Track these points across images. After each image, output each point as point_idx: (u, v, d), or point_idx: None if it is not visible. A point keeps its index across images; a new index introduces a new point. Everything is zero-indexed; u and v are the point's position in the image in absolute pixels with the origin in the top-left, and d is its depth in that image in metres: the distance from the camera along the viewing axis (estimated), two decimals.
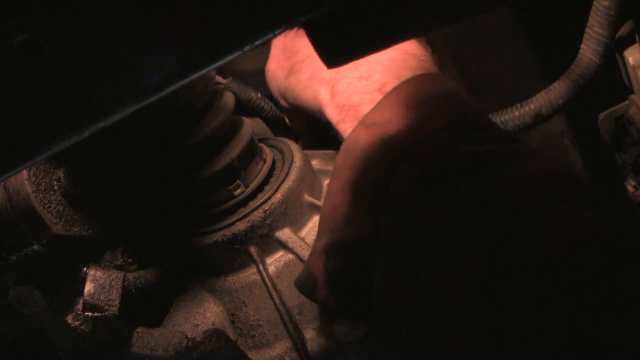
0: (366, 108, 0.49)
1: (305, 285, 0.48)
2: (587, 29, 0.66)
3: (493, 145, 0.43)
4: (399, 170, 0.44)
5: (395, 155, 0.44)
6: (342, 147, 0.49)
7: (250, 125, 0.62)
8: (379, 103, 0.48)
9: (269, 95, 0.78)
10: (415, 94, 0.48)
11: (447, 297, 0.37)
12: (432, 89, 0.48)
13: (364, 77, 0.52)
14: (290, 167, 0.61)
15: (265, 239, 0.58)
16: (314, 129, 0.72)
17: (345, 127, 0.52)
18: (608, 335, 0.30)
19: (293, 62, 0.60)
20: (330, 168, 0.67)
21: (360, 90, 0.51)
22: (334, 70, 0.54)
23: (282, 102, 0.65)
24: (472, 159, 0.41)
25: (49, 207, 0.53)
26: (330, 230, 0.47)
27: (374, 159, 0.46)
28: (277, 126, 0.80)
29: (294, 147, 0.64)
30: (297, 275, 0.50)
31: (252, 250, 0.58)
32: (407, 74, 0.50)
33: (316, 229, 0.60)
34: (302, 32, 0.56)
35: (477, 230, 0.37)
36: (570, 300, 0.31)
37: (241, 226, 0.57)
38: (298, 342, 0.55)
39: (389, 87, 0.49)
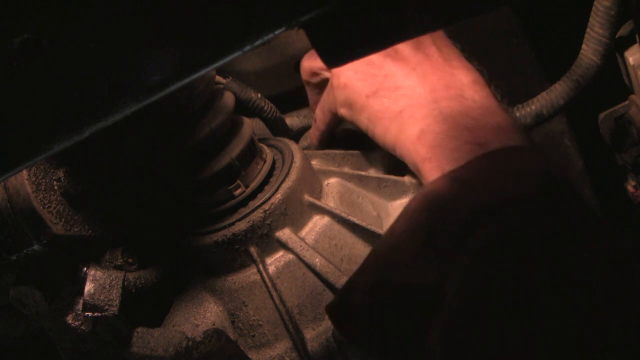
0: (459, 155, 0.48)
1: (337, 314, 0.47)
2: (587, 30, 0.66)
3: (578, 220, 0.42)
4: (481, 228, 0.42)
5: (479, 212, 0.43)
6: (421, 192, 0.48)
7: (250, 125, 0.62)
8: (469, 162, 0.47)
9: (269, 95, 0.79)
10: (507, 163, 0.47)
11: None
12: (524, 160, 0.47)
13: (470, 130, 0.50)
14: (290, 167, 0.61)
15: (265, 239, 0.58)
16: (335, 138, 0.72)
17: (430, 165, 0.51)
18: None
19: (381, 85, 0.58)
20: (331, 168, 0.67)
21: (463, 138, 0.50)
22: (430, 115, 0.53)
23: (345, 114, 0.62)
24: (555, 231, 0.41)
25: (49, 207, 0.53)
26: (383, 269, 0.46)
27: (455, 210, 0.44)
28: (277, 126, 0.80)
29: (294, 147, 0.64)
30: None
31: (252, 250, 0.58)
32: (509, 140, 0.49)
33: (316, 228, 0.60)
34: (394, 53, 0.54)
35: (551, 310, 0.36)
36: None
37: (241, 226, 0.57)
38: (298, 342, 0.55)
39: (491, 147, 0.48)
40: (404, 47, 0.59)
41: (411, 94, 0.56)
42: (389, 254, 0.46)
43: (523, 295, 0.38)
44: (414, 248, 0.45)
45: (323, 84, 0.68)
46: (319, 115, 0.70)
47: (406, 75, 0.57)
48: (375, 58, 0.59)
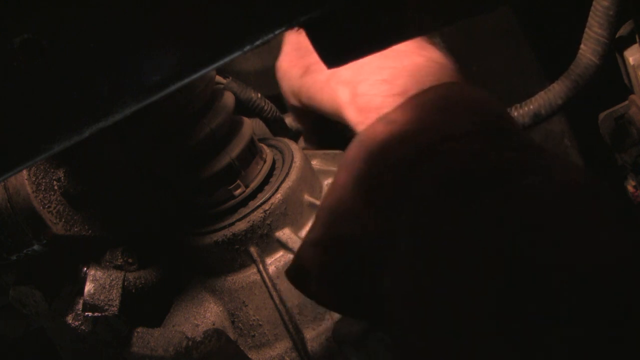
0: (387, 109, 0.48)
1: (296, 277, 0.47)
2: (586, 29, 0.66)
3: (519, 154, 0.42)
4: (422, 170, 0.42)
5: (418, 153, 0.43)
6: (356, 140, 0.48)
7: (250, 125, 0.62)
8: (402, 104, 0.47)
9: (269, 95, 0.79)
10: (441, 99, 0.46)
11: (466, 309, 0.36)
12: (459, 96, 0.47)
13: (387, 81, 0.51)
14: (290, 167, 0.61)
15: (265, 239, 0.58)
16: (319, 129, 0.72)
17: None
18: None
19: (308, 61, 0.59)
20: (331, 168, 0.67)
21: (382, 93, 0.50)
22: (355, 73, 0.53)
23: (293, 101, 0.64)
24: (498, 165, 0.40)
25: (49, 207, 0.53)
26: (330, 223, 0.46)
27: (393, 155, 0.44)
28: (277, 126, 0.80)
29: (294, 147, 0.64)
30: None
31: (252, 250, 0.58)
32: (431, 81, 0.49)
33: None
34: None
35: (497, 245, 0.36)
36: (589, 323, 0.31)
37: (241, 226, 0.57)
38: (298, 342, 0.55)
39: (412, 92, 0.48)
40: None
41: None
42: (335, 206, 0.46)
43: (469, 234, 0.38)
44: (358, 198, 0.45)
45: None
46: (292, 116, 0.71)
47: None
48: (302, 39, 0.60)
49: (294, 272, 0.47)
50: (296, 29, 0.29)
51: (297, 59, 0.61)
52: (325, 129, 0.72)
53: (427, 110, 0.46)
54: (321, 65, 0.58)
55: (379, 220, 0.43)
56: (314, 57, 0.59)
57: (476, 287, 0.36)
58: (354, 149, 0.47)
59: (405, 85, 0.50)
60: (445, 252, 0.39)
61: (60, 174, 0.54)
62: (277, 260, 0.58)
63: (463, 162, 0.41)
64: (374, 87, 0.51)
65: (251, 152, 0.61)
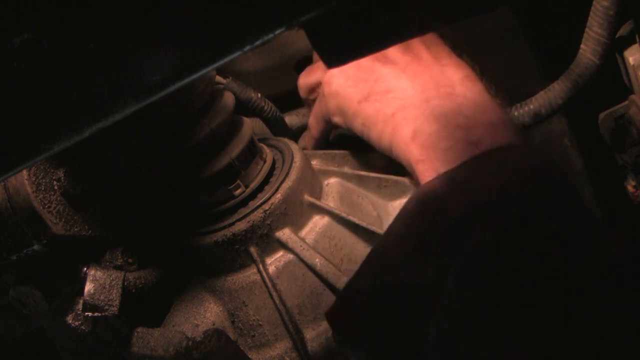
0: (453, 155, 0.48)
1: (337, 319, 0.47)
2: (586, 29, 0.66)
3: (574, 220, 0.42)
4: (475, 227, 0.42)
5: (473, 211, 0.43)
6: (415, 193, 0.48)
7: (250, 125, 0.62)
8: (469, 161, 0.47)
9: (269, 95, 0.79)
10: (502, 163, 0.47)
11: None
12: (519, 159, 0.47)
13: (463, 128, 0.50)
14: (290, 167, 0.61)
15: (265, 239, 0.58)
16: (327, 134, 0.72)
17: (424, 167, 0.51)
18: None
19: (372, 89, 0.58)
20: (331, 168, 0.67)
21: (455, 137, 0.50)
22: (422, 115, 0.53)
23: (337, 120, 0.63)
24: (550, 230, 0.40)
25: (49, 207, 0.53)
26: (379, 271, 0.46)
27: (449, 210, 0.44)
28: (277, 126, 0.80)
29: (294, 147, 0.64)
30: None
31: (252, 250, 0.58)
32: (502, 139, 0.49)
33: (316, 228, 0.60)
34: (383, 57, 0.55)
35: (542, 312, 0.37)
36: None
37: (241, 226, 0.57)
38: (298, 342, 0.55)
39: (484, 147, 0.48)
40: (392, 50, 0.59)
41: (402, 96, 0.56)
42: (386, 255, 0.46)
43: (515, 294, 0.38)
44: (409, 249, 0.45)
45: None
46: (313, 124, 0.70)
47: (396, 77, 0.57)
48: (364, 62, 0.59)
49: (336, 316, 0.47)
50: (296, 29, 0.29)
51: (358, 81, 0.59)
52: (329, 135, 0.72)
53: (488, 172, 0.46)
54: (386, 98, 0.57)
55: (429, 272, 0.43)
56: (378, 86, 0.58)
57: (519, 350, 0.36)
58: (412, 201, 0.47)
59: (479, 136, 0.50)
60: (488, 309, 0.39)
61: (60, 174, 0.54)
62: (277, 260, 0.58)
63: (515, 223, 0.41)
64: (448, 130, 0.51)
65: (251, 152, 0.61)
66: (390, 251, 0.46)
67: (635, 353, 0.33)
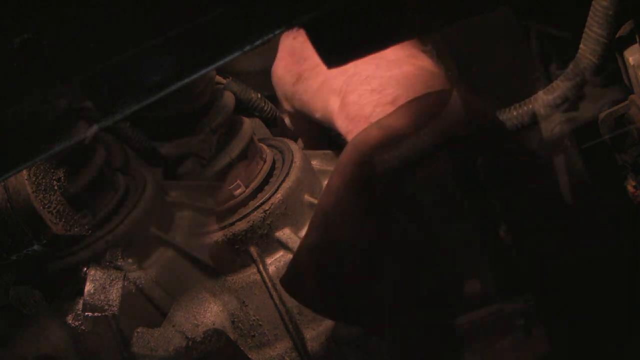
0: (375, 119, 0.49)
1: (292, 283, 0.48)
2: (586, 29, 0.66)
3: (514, 159, 0.43)
4: (419, 174, 0.43)
5: (414, 158, 0.44)
6: (350, 144, 0.48)
7: (250, 125, 0.62)
8: (396, 110, 0.48)
9: (269, 96, 0.78)
10: (435, 106, 0.47)
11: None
12: (453, 102, 0.47)
13: (377, 90, 0.51)
14: (290, 167, 0.61)
15: (265, 239, 0.58)
16: (314, 133, 0.72)
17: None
18: None
19: (302, 68, 0.59)
20: (331, 168, 0.67)
21: (372, 102, 0.51)
22: (345, 82, 0.53)
23: (287, 106, 0.65)
24: (494, 171, 0.41)
25: (49, 207, 0.53)
26: (324, 229, 0.46)
27: (388, 157, 0.45)
28: (277, 126, 0.80)
29: (294, 147, 0.64)
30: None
31: (252, 250, 0.58)
32: (421, 89, 0.49)
33: None
34: None
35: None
36: None
37: (241, 226, 0.57)
38: (298, 342, 0.55)
39: (402, 101, 0.48)
40: None
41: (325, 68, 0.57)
42: (329, 212, 0.47)
43: (467, 242, 0.39)
44: (352, 203, 0.45)
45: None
46: (286, 121, 0.72)
47: None
48: (296, 44, 0.60)
49: (288, 279, 0.47)
50: (296, 29, 0.29)
51: (291, 65, 0.61)
52: (320, 132, 0.72)
53: (423, 116, 0.46)
54: (314, 73, 0.58)
55: (373, 226, 0.44)
56: (307, 64, 0.59)
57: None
58: (347, 152, 0.48)
59: (394, 94, 0.50)
60: (437, 252, 0.39)
61: (60, 174, 0.54)
62: (277, 260, 0.58)
63: (459, 166, 0.42)
64: (364, 97, 0.52)
65: (251, 152, 0.61)
66: (333, 207, 0.47)
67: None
